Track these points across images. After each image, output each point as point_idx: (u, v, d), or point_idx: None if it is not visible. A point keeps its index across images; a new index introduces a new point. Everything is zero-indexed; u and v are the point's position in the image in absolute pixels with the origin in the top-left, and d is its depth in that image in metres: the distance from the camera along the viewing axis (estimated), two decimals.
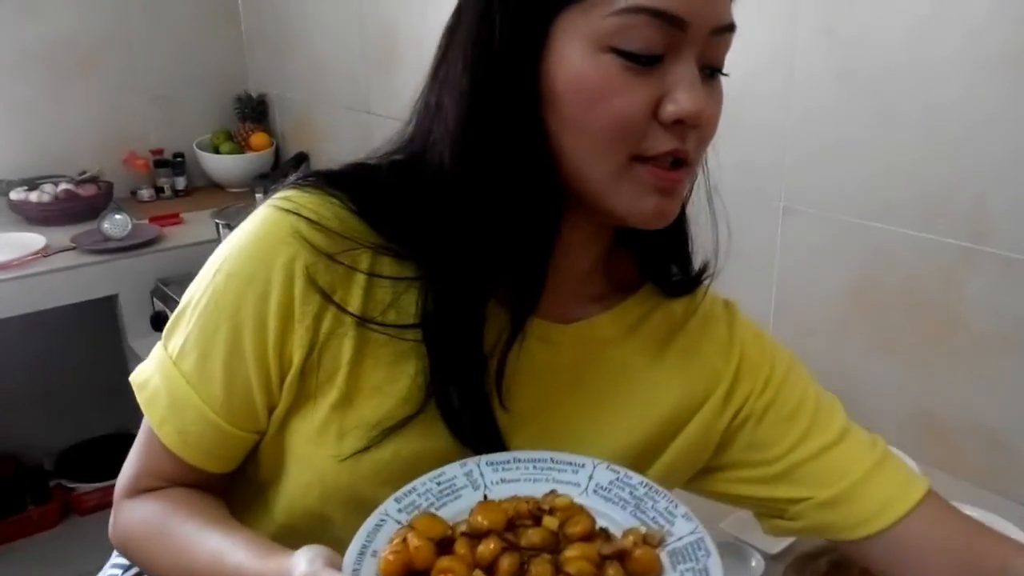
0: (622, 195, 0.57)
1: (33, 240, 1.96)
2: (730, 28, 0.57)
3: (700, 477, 0.73)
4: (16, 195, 2.12)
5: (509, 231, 0.58)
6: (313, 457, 0.63)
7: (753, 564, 0.87)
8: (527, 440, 0.64)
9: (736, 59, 1.20)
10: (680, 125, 0.55)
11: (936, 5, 0.95)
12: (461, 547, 0.49)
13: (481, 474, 0.57)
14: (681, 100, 0.54)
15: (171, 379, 0.64)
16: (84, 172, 2.25)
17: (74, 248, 1.95)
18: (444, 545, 0.50)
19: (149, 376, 0.66)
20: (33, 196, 2.10)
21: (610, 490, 0.57)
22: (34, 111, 2.27)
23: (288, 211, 0.60)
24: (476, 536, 0.50)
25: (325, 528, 0.64)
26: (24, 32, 2.25)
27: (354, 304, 0.61)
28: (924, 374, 1.06)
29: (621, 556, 0.50)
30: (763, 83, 1.15)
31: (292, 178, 0.64)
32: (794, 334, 1.21)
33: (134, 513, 0.68)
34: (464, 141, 0.58)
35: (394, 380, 0.61)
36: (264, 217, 0.62)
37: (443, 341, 0.60)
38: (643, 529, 0.53)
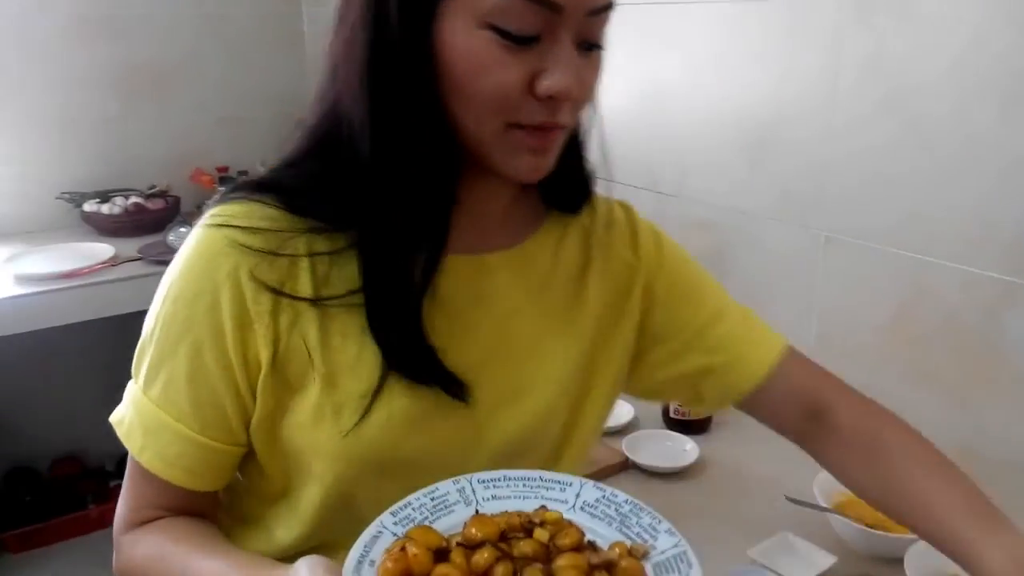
0: (501, 155, 0.63)
1: (102, 250, 2.06)
2: (607, 7, 0.61)
3: (629, 372, 0.82)
4: (89, 207, 2.23)
5: (416, 186, 0.63)
6: (318, 442, 0.66)
7: None
8: (492, 359, 0.70)
9: (779, 90, 1.23)
10: (553, 99, 0.60)
11: (975, 37, 0.96)
12: (457, 556, 0.51)
13: (473, 491, 0.59)
14: (554, 78, 0.59)
15: (142, 408, 0.68)
16: (153, 187, 2.37)
17: (140, 259, 2.04)
18: (440, 555, 0.52)
19: (124, 412, 0.70)
20: (104, 208, 2.22)
21: (596, 507, 0.59)
22: (110, 128, 2.40)
23: (219, 225, 0.64)
24: (471, 546, 0.52)
25: (351, 512, 0.67)
26: (107, 55, 2.38)
27: (304, 289, 0.64)
28: (964, 406, 1.05)
29: (608, 566, 0.52)
30: (806, 114, 1.17)
31: (216, 197, 0.69)
32: (835, 362, 1.20)
33: (134, 549, 0.70)
34: (370, 112, 0.62)
35: (365, 347, 0.65)
36: (198, 237, 0.66)
37: (378, 293, 0.64)
38: (628, 543, 0.55)
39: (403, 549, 0.51)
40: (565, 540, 0.54)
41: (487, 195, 0.70)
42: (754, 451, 1.17)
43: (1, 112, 2.35)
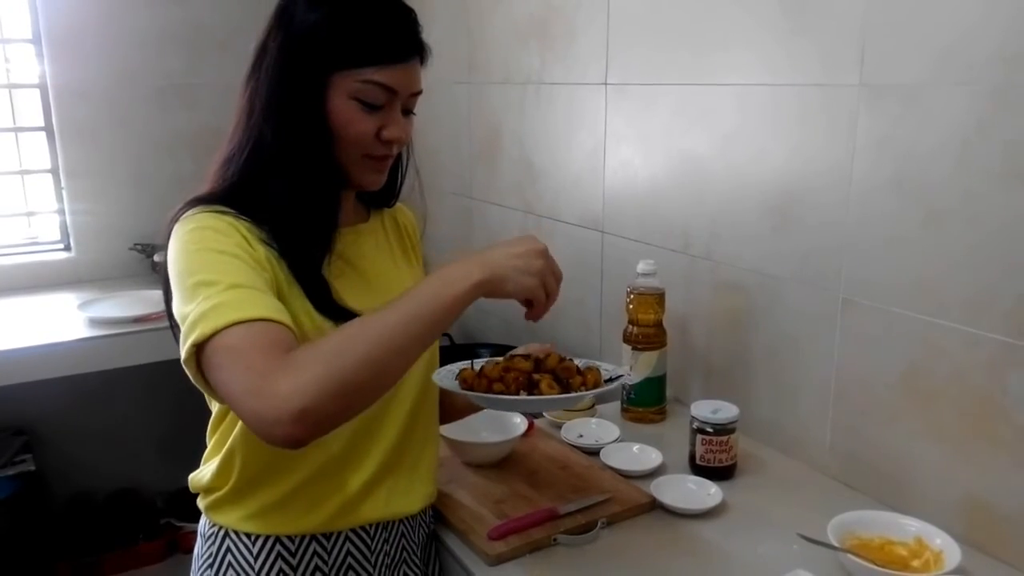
0: (358, 173, 1.03)
1: None
2: (419, 93, 1.03)
3: None
4: (159, 257, 2.39)
5: (315, 195, 1.00)
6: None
7: None
8: (367, 295, 1.03)
9: (799, 165, 1.35)
10: (389, 142, 1.01)
11: (979, 125, 1.06)
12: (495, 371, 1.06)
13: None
14: (391, 131, 1.01)
15: (224, 297, 0.85)
16: None
17: None
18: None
19: (200, 313, 0.84)
20: None
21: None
22: (182, 186, 2.57)
23: (208, 212, 0.95)
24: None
25: None
26: (183, 120, 2.60)
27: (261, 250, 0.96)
28: (971, 461, 1.12)
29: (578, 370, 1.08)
30: (825, 186, 1.27)
31: (181, 211, 0.98)
32: (851, 417, 1.29)
33: (301, 352, 0.80)
34: (282, 144, 0.97)
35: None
36: (198, 219, 0.94)
37: (296, 262, 0.98)
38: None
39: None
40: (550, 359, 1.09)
41: (347, 194, 1.09)
42: (774, 497, 1.25)
43: (87, 170, 2.56)
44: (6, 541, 2.23)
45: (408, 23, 1.01)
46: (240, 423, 1.00)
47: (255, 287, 0.88)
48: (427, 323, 0.85)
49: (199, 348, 0.83)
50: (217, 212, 0.95)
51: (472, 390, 1.04)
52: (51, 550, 2.44)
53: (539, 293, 0.92)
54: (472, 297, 0.88)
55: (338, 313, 0.98)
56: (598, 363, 1.12)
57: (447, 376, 1.09)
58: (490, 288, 0.89)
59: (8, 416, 2.46)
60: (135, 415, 2.57)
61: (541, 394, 1.02)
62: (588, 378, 1.07)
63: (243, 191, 0.98)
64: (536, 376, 1.04)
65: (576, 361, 1.10)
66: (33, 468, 2.33)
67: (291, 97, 0.97)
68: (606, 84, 1.73)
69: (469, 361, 1.11)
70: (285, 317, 0.86)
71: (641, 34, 1.63)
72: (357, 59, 0.96)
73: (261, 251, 0.95)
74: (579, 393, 1.04)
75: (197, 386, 0.89)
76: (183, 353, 0.85)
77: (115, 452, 2.61)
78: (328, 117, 0.97)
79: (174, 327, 1.00)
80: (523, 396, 1.02)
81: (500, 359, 1.09)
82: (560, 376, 1.05)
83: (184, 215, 0.96)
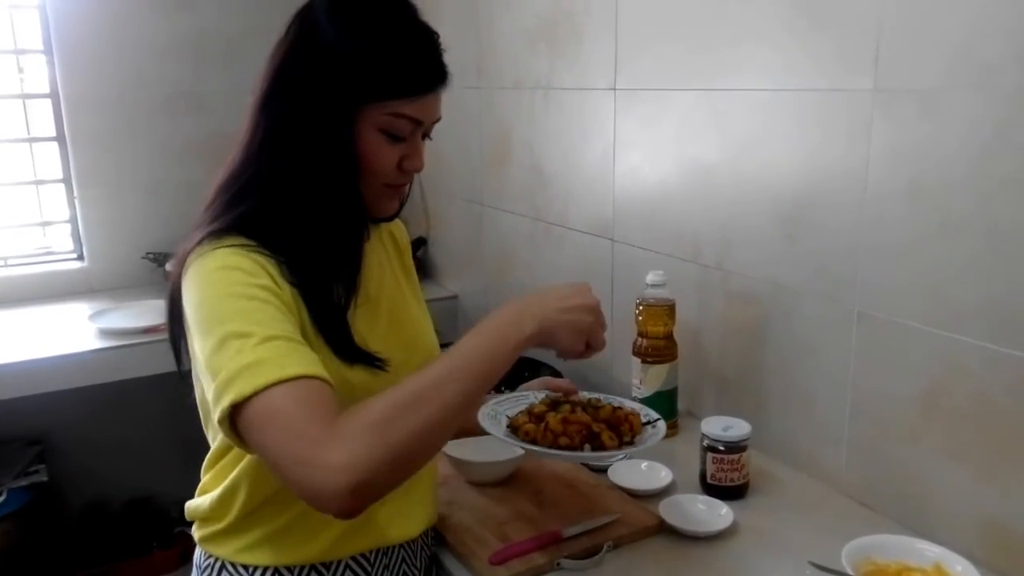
0: (377, 202, 1.01)
1: None
2: (439, 119, 1.00)
3: None
4: (170, 266, 2.39)
5: (340, 229, 0.98)
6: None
7: None
8: (386, 331, 1.03)
9: (812, 172, 1.30)
10: (409, 172, 1.00)
11: (997, 129, 1.01)
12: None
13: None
14: (413, 162, 0.99)
15: (259, 351, 0.79)
16: None
17: None
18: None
19: (235, 370, 0.78)
20: None
21: None
22: (193, 193, 2.55)
23: (230, 246, 0.90)
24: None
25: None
26: (193, 126, 2.59)
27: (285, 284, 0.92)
28: (994, 483, 1.07)
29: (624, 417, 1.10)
30: (839, 194, 1.23)
31: (197, 245, 0.92)
32: (868, 434, 1.24)
33: (351, 419, 0.76)
34: (303, 180, 0.94)
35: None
36: (221, 258, 0.88)
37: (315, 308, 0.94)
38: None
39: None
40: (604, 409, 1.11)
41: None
42: (788, 517, 1.21)
43: (99, 179, 2.56)
44: (21, 551, 2.23)
45: (437, 51, 0.97)
46: (247, 458, 0.97)
47: (291, 338, 0.83)
48: (481, 382, 0.84)
49: (235, 407, 0.78)
50: (240, 248, 0.90)
51: (535, 444, 1.04)
52: (66, 560, 2.44)
53: (582, 347, 0.95)
54: (523, 349, 0.88)
55: (359, 357, 0.95)
56: (620, 399, 1.17)
57: (493, 423, 1.08)
58: (540, 341, 0.90)
59: (22, 426, 2.47)
60: (148, 425, 2.57)
61: (603, 446, 1.04)
62: (633, 423, 1.10)
63: (259, 222, 0.93)
64: (595, 427, 1.06)
65: (599, 397, 1.15)
66: (47, 478, 2.33)
67: (320, 127, 0.92)
68: (615, 89, 1.69)
69: (503, 395, 1.18)
70: (324, 371, 0.82)
71: (650, 39, 1.59)
72: (389, 92, 0.93)
73: (287, 292, 0.90)
74: (639, 447, 1.08)
75: (232, 443, 0.83)
76: (216, 413, 0.79)
77: (129, 462, 2.61)
78: (357, 146, 0.94)
79: (176, 349, 1.00)
80: (588, 451, 1.04)
81: (540, 399, 1.14)
82: (613, 425, 1.08)
83: (203, 251, 0.90)
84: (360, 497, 0.74)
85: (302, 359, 0.81)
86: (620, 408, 1.12)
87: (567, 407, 1.09)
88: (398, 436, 0.75)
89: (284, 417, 0.76)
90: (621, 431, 1.07)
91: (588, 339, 0.95)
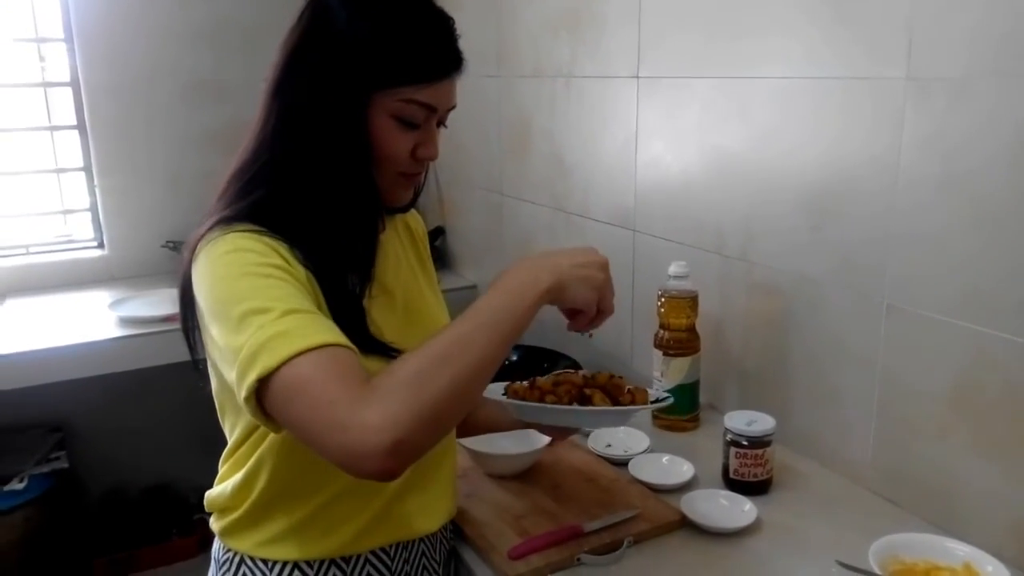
0: (391, 190, 1.00)
1: None
2: (454, 106, 0.98)
3: None
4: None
5: (355, 217, 0.96)
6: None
7: None
8: (401, 322, 1.02)
9: (839, 161, 1.27)
10: (423, 160, 0.98)
11: None
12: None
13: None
14: (427, 149, 0.97)
15: (284, 323, 0.78)
16: None
17: None
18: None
19: (258, 344, 0.76)
20: None
21: None
22: (211, 182, 2.56)
23: (243, 232, 0.88)
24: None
25: None
26: (212, 115, 2.59)
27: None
28: None
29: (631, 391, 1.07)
30: (869, 186, 1.20)
31: (207, 231, 0.90)
32: (895, 430, 1.22)
33: (384, 379, 0.75)
34: (316, 167, 0.93)
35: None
36: (234, 242, 0.87)
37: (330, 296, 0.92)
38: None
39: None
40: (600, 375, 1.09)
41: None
42: (812, 514, 1.19)
43: (119, 167, 2.57)
44: (42, 537, 2.25)
45: (452, 37, 0.95)
46: (271, 437, 0.95)
47: (311, 311, 0.82)
48: (506, 336, 0.83)
49: (261, 382, 0.76)
50: (251, 232, 0.88)
51: (524, 400, 1.04)
52: (86, 546, 2.46)
53: (594, 307, 0.93)
54: (542, 303, 0.87)
55: (375, 348, 0.93)
56: (643, 386, 1.13)
57: (494, 390, 1.08)
58: (555, 296, 0.88)
59: (43, 413, 2.49)
60: (168, 412, 2.58)
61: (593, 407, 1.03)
62: (637, 397, 1.07)
63: (272, 210, 0.92)
64: (588, 391, 1.05)
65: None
66: (67, 465, 2.35)
67: (333, 113, 0.91)
68: (638, 77, 1.67)
69: (507, 382, 1.12)
70: (348, 340, 0.81)
71: (674, 26, 1.56)
72: (402, 78, 0.91)
73: (301, 272, 0.89)
74: (629, 408, 1.05)
75: (259, 422, 0.81)
76: (242, 391, 0.77)
77: (148, 449, 2.63)
78: (370, 133, 0.93)
79: (189, 341, 0.99)
80: (575, 407, 1.02)
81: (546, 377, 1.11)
82: (610, 392, 1.05)
83: (213, 237, 0.89)
84: (399, 456, 0.73)
85: (326, 328, 0.80)
86: (621, 378, 1.09)
87: (569, 374, 1.10)
88: (431, 392, 0.74)
89: (315, 384, 0.74)
90: (619, 399, 1.05)
91: (599, 299, 0.93)
